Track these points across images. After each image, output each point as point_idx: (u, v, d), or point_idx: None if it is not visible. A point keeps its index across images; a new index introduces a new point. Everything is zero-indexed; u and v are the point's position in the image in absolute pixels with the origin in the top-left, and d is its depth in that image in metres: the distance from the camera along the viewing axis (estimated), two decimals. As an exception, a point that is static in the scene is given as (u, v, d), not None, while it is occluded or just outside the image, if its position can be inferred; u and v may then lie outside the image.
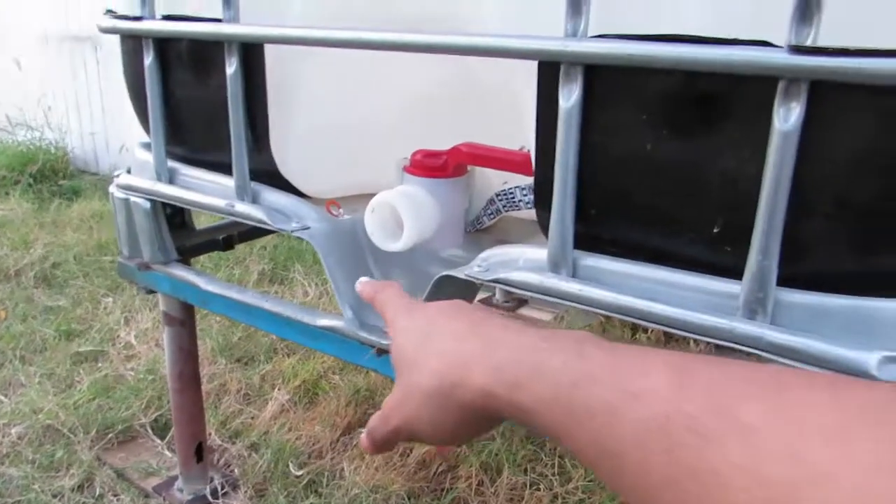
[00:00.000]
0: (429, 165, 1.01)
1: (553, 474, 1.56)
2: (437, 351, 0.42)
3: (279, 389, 1.88)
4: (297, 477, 1.55)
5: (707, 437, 0.26)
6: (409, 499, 1.48)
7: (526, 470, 1.58)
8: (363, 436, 0.50)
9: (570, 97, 0.76)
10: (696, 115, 0.71)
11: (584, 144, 0.77)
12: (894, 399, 0.23)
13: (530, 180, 1.09)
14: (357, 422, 1.76)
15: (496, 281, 0.86)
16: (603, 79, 0.75)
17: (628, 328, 2.32)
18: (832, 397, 0.24)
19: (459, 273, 0.89)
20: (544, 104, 0.80)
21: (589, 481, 1.53)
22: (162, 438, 1.75)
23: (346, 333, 1.04)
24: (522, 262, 0.85)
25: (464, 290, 1.04)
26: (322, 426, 1.73)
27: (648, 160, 0.75)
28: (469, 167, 1.05)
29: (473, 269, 0.88)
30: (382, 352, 1.03)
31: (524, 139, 1.01)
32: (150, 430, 1.77)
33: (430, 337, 0.44)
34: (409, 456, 1.62)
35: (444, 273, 0.90)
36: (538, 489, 1.53)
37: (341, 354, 1.10)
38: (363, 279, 0.65)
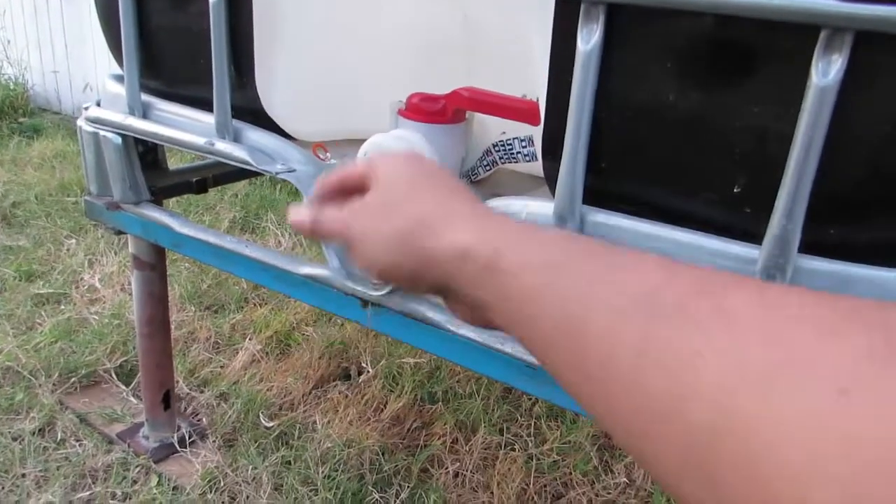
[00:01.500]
0: (426, 109, 0.95)
1: (528, 435, 1.55)
2: (432, 198, 0.41)
3: (250, 339, 1.83)
4: (268, 428, 1.51)
5: (692, 316, 0.24)
6: (382, 454, 1.45)
7: (501, 430, 1.56)
8: (299, 212, 0.48)
9: (589, 39, 0.71)
10: (726, 65, 0.66)
11: (601, 91, 0.72)
12: (887, 306, 0.22)
13: (530, 131, 1.05)
14: (331, 375, 1.72)
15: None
16: (627, 20, 0.69)
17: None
18: (823, 296, 0.23)
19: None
20: (560, 46, 0.75)
21: (564, 443, 1.52)
22: (127, 385, 1.69)
23: (330, 283, 0.99)
24: (525, 214, 0.80)
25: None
26: (294, 378, 1.69)
27: (670, 111, 0.70)
28: (468, 114, 0.99)
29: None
30: (368, 303, 0.99)
31: (527, 87, 0.96)
32: (114, 376, 1.71)
33: (432, 182, 0.43)
34: (383, 411, 1.59)
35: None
36: (513, 449, 1.51)
37: (323, 305, 1.05)
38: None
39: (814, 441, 0.19)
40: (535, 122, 0.90)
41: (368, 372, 1.71)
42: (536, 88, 0.94)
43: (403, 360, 1.72)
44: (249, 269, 1.11)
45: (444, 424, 1.55)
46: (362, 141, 0.96)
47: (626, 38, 0.70)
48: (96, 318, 1.90)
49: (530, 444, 1.52)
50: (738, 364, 0.22)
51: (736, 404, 0.21)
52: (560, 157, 0.76)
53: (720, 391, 0.22)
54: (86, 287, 2.08)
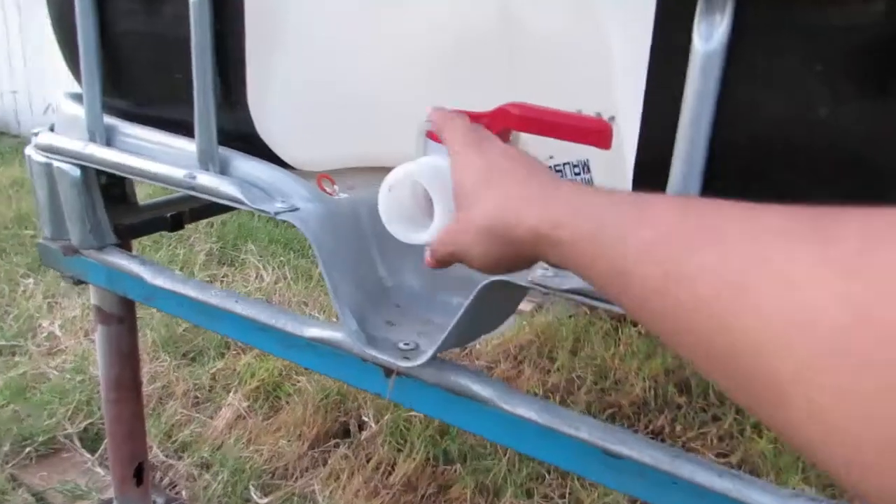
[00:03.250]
0: (464, 131, 0.76)
1: (560, 496, 1.35)
2: (497, 193, 0.46)
3: (234, 392, 1.61)
4: (260, 504, 1.30)
5: (692, 248, 0.31)
6: (396, 531, 1.25)
7: (529, 492, 1.36)
8: (427, 254, 0.55)
9: (711, 36, 0.53)
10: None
11: (723, 104, 0.55)
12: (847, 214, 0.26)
13: (582, 156, 0.87)
14: (327, 432, 1.51)
15: (574, 291, 0.63)
16: (761, 9, 0.52)
17: (616, 319, 2.14)
18: (804, 214, 0.28)
19: (521, 280, 0.65)
20: (662, 47, 0.57)
21: (602, 506, 1.33)
22: (92, 452, 1.46)
23: (345, 348, 0.79)
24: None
25: (512, 297, 0.81)
26: (287, 438, 1.48)
27: (819, 131, 0.52)
28: (512, 136, 0.80)
29: (538, 274, 0.65)
30: (391, 372, 0.79)
31: (584, 102, 0.78)
32: (77, 442, 1.48)
33: (492, 178, 0.48)
34: (391, 474, 1.39)
35: (497, 278, 0.66)
36: (544, 515, 1.32)
37: (336, 374, 0.86)
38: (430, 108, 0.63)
39: (783, 328, 0.25)
40: (606, 146, 0.72)
41: (371, 427, 1.51)
42: (605, 103, 0.77)
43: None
44: (241, 328, 0.90)
45: (463, 488, 1.35)
46: (378, 170, 0.77)
47: (761, 34, 0.53)
48: (56, 373, 1.67)
49: (563, 509, 1.33)
50: (723, 281, 0.28)
51: (727, 310, 0.27)
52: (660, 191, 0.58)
53: (716, 302, 0.28)
54: (44, 335, 1.85)
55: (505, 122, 0.76)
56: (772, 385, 0.25)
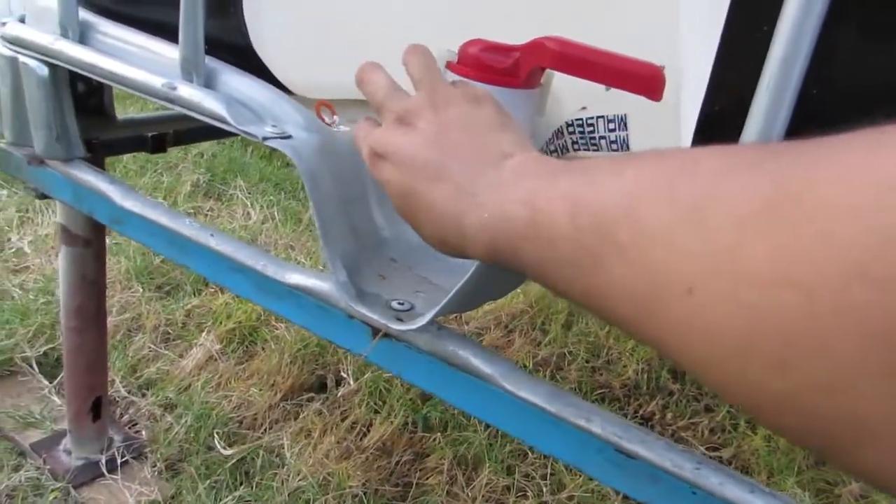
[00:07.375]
0: (491, 65, 0.65)
1: (542, 478, 1.28)
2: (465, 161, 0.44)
3: (208, 333, 1.52)
4: (225, 456, 1.21)
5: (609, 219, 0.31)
6: (365, 497, 1.16)
7: (510, 469, 1.29)
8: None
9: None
10: None
11: (820, 57, 0.44)
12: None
13: (620, 110, 0.76)
14: (302, 384, 1.43)
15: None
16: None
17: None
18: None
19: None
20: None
21: (586, 492, 1.26)
22: (51, 379, 1.37)
23: (332, 302, 0.70)
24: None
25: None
26: (259, 387, 1.39)
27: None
28: (545, 77, 0.69)
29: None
30: (386, 336, 0.70)
31: (635, 43, 0.67)
32: (35, 367, 1.39)
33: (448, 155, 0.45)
34: (366, 436, 1.31)
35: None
36: (524, 496, 1.24)
37: (316, 328, 0.76)
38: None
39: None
40: (655, 96, 0.61)
41: (349, 384, 1.42)
42: (660, 47, 0.66)
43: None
44: (215, 265, 0.80)
45: (441, 459, 1.28)
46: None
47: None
48: (20, 291, 1.57)
49: (545, 490, 1.26)
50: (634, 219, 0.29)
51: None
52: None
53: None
54: (12, 250, 1.74)
55: (539, 59, 0.65)
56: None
